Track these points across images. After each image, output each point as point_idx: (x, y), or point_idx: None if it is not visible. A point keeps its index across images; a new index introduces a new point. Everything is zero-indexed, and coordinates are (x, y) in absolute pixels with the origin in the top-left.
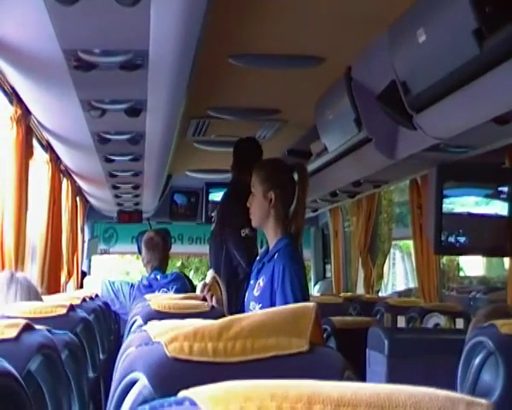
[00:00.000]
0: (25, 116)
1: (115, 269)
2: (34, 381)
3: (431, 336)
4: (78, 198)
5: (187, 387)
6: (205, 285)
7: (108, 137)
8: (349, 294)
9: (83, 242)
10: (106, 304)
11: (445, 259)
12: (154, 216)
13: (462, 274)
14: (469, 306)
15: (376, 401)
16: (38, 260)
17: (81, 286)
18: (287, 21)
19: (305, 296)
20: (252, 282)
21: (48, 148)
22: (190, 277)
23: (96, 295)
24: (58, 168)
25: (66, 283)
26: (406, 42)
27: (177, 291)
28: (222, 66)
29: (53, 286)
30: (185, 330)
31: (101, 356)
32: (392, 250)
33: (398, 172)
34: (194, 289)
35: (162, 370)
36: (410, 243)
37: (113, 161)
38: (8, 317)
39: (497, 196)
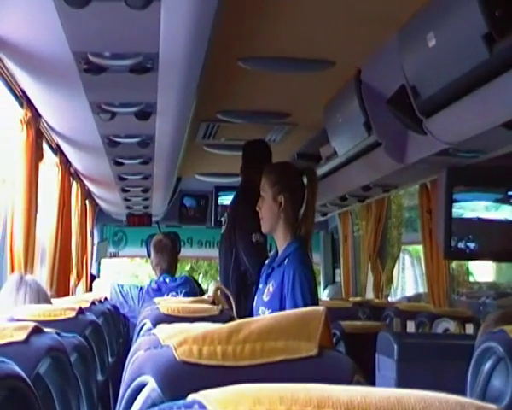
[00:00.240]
0: (35, 119)
1: (124, 272)
2: (43, 384)
3: (440, 341)
4: (87, 201)
5: (196, 390)
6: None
7: (118, 140)
8: (358, 298)
9: (92, 245)
10: (115, 307)
11: (454, 264)
12: (163, 219)
13: (471, 279)
14: (479, 311)
15: (386, 405)
16: (48, 263)
17: (90, 289)
18: (296, 24)
19: (315, 301)
20: (261, 286)
21: (57, 150)
22: (199, 280)
23: (105, 299)
24: (68, 171)
25: (76, 286)
26: (416, 46)
27: (186, 295)
28: (231, 69)
29: (62, 289)
30: (194, 333)
31: (110, 359)
32: (401, 255)
33: (407, 176)
34: (202, 292)
35: (171, 373)
36: (420, 247)
37: (122, 164)
38: (18, 320)
39: (507, 200)
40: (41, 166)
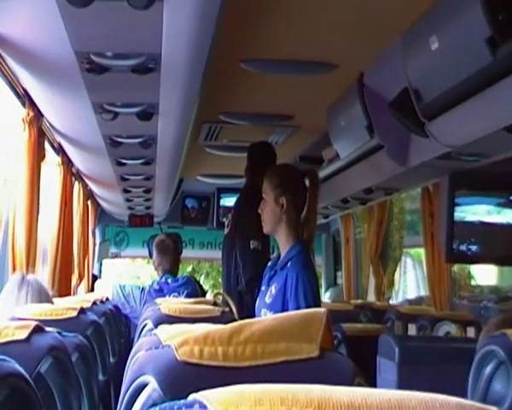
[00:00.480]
0: (37, 118)
1: (126, 273)
2: (44, 383)
3: (442, 344)
4: (89, 201)
5: (197, 391)
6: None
7: (120, 140)
8: (360, 301)
9: (94, 245)
10: (116, 307)
11: (456, 267)
12: (165, 220)
13: (473, 283)
14: (480, 315)
15: (387, 406)
16: (49, 263)
17: (92, 289)
18: (300, 27)
19: (318, 305)
20: (263, 288)
21: (60, 150)
22: (201, 281)
23: (107, 299)
24: (70, 171)
25: (77, 286)
26: (419, 49)
27: (187, 296)
28: (234, 70)
29: (64, 289)
30: (195, 334)
31: (111, 359)
32: (403, 258)
33: (409, 179)
34: (204, 293)
35: (172, 373)
36: (422, 251)
37: (124, 164)
38: (19, 319)
39: (509, 204)
40: (43, 165)
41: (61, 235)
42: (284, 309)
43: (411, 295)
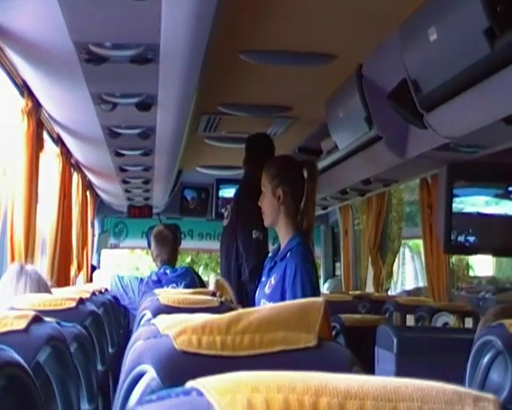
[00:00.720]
0: (35, 109)
1: (125, 264)
2: (43, 372)
3: (440, 335)
4: (88, 192)
5: (194, 380)
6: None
7: (119, 131)
8: (358, 292)
9: (93, 236)
10: (115, 298)
11: (454, 258)
12: (164, 211)
13: (471, 274)
14: (478, 305)
15: (383, 393)
16: (48, 254)
17: (91, 280)
18: (299, 18)
19: (316, 296)
20: (263, 279)
21: (58, 141)
22: (200, 272)
23: (106, 289)
24: (69, 162)
25: (76, 276)
26: (417, 40)
27: (186, 287)
28: (233, 62)
29: (62, 279)
30: (194, 323)
31: (110, 350)
32: (401, 249)
33: (408, 170)
34: (202, 284)
35: (170, 363)
36: (420, 242)
37: (123, 155)
38: (18, 309)
39: (507, 196)
40: (42, 156)
41: (59, 225)
42: (283, 300)
43: (410, 286)
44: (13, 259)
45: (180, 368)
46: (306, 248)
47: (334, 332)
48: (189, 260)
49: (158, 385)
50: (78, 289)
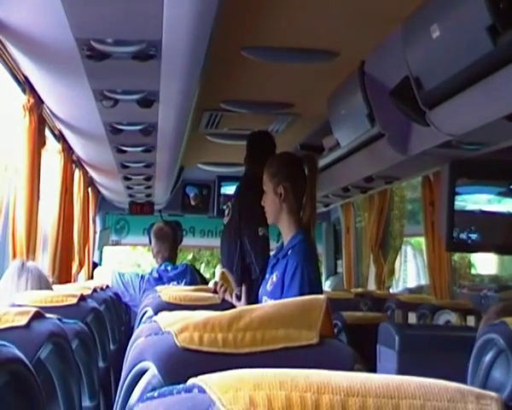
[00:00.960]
0: (37, 105)
1: (126, 261)
2: (44, 369)
3: (442, 332)
4: (90, 189)
5: (196, 377)
6: (216, 284)
7: (121, 127)
8: (360, 289)
9: (94, 232)
10: (117, 295)
11: (456, 256)
12: (165, 208)
13: (473, 272)
14: (480, 303)
15: (386, 391)
16: (50, 250)
17: (92, 277)
18: (301, 15)
19: (316, 294)
20: (267, 276)
21: (60, 137)
22: (201, 270)
23: (107, 286)
24: (70, 158)
25: (78, 273)
26: (420, 37)
27: (186, 284)
28: (235, 58)
29: (64, 276)
30: (195, 320)
31: (111, 346)
32: (403, 247)
33: (410, 168)
34: (204, 281)
35: (172, 359)
36: (422, 239)
37: (125, 151)
38: (19, 305)
39: (509, 193)
40: (43, 152)
41: (61, 222)
42: (283, 297)
43: (411, 283)
44: (14, 255)
45: (182, 365)
46: (308, 245)
47: (335, 330)
48: (190, 257)
49: (159, 382)
50: (80, 285)
